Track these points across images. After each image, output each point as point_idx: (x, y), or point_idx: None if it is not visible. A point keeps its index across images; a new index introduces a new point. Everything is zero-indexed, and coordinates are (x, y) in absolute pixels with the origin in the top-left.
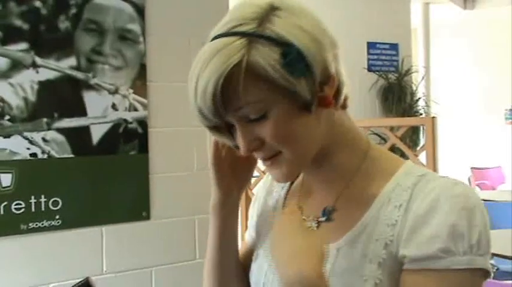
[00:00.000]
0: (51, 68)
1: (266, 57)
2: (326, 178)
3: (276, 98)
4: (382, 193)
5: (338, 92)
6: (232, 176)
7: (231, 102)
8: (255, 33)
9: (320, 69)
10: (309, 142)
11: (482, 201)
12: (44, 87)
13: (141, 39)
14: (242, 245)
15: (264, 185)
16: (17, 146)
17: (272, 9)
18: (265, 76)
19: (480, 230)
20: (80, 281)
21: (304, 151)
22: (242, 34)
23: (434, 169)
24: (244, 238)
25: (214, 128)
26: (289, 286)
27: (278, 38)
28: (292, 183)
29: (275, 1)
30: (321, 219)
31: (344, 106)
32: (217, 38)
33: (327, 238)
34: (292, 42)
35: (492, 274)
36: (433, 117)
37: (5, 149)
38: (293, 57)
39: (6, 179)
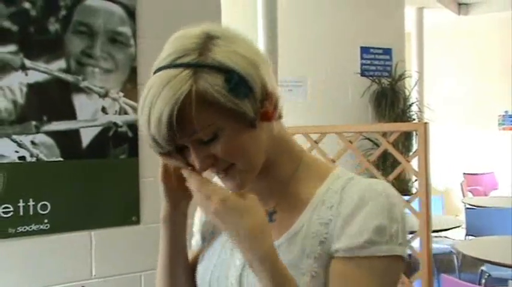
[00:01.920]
0: (40, 71)
1: (212, 85)
2: (267, 184)
3: (225, 120)
4: (315, 195)
5: (275, 105)
6: (180, 190)
7: (185, 129)
8: (199, 63)
9: (260, 88)
10: (257, 153)
11: (475, 207)
12: (33, 89)
13: (131, 42)
14: (190, 251)
15: None
16: (6, 149)
17: (209, 39)
18: (214, 102)
19: (398, 223)
20: None
21: (254, 162)
22: (186, 65)
23: (427, 175)
24: (191, 244)
25: (166, 154)
26: (234, 282)
27: (220, 66)
28: None
29: (210, 31)
30: None
31: (280, 116)
32: (161, 69)
33: None
34: (233, 68)
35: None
36: (426, 122)
37: None
38: (236, 82)
39: None
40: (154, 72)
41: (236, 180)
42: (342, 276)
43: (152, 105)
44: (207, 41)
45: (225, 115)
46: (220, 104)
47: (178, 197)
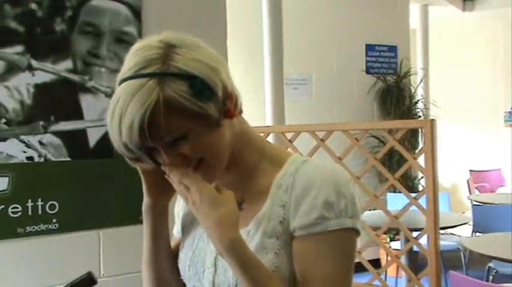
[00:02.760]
0: (47, 71)
1: (178, 91)
2: (235, 176)
3: (192, 122)
4: (274, 181)
5: (236, 103)
6: (160, 185)
7: (155, 135)
8: (163, 72)
9: (221, 90)
10: (222, 148)
11: (481, 204)
12: (40, 90)
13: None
14: (172, 240)
15: None
16: (14, 150)
17: (170, 48)
18: (180, 107)
19: (346, 199)
20: (83, 275)
21: (221, 156)
22: (152, 74)
23: (434, 172)
24: (173, 233)
25: (136, 159)
26: (210, 265)
27: (183, 73)
28: None
29: (170, 40)
30: None
31: (241, 112)
32: (126, 80)
33: (239, 224)
34: (196, 74)
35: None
36: (432, 119)
37: (2, 152)
38: (199, 87)
39: (3, 183)
40: (119, 84)
41: (206, 174)
42: (301, 253)
43: (122, 115)
44: (168, 50)
45: (192, 118)
46: (187, 108)
47: (158, 193)
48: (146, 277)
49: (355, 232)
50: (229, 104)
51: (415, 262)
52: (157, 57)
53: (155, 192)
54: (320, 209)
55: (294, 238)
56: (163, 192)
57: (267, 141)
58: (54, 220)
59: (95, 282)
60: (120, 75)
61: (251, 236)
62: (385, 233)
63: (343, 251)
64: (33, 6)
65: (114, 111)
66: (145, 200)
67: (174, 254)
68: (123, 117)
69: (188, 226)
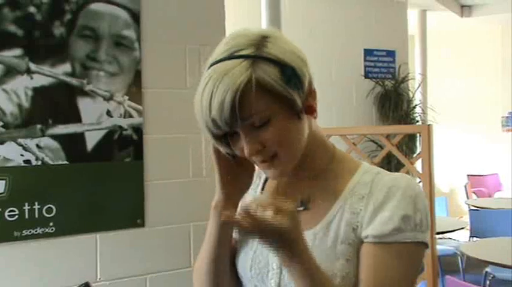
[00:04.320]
0: (45, 74)
1: (270, 75)
2: (304, 175)
3: (278, 107)
4: (347, 188)
5: (316, 101)
6: (235, 180)
7: (244, 112)
8: (257, 56)
9: (307, 83)
10: (299, 144)
11: (479, 209)
12: (39, 93)
13: (136, 45)
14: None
15: None
16: (11, 153)
17: (263, 38)
18: (270, 89)
19: (421, 213)
20: (80, 286)
21: (296, 152)
22: (246, 57)
23: (430, 176)
24: None
25: (218, 138)
26: (275, 267)
27: (276, 59)
28: (265, 181)
29: (264, 32)
30: (299, 209)
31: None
32: (219, 62)
33: (304, 225)
34: (287, 62)
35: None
36: (429, 125)
37: None
38: (290, 74)
39: (0, 186)
40: (211, 65)
41: (278, 169)
42: (372, 259)
43: (214, 91)
44: (261, 39)
45: (279, 102)
46: (276, 91)
47: (233, 188)
48: (205, 279)
49: (425, 245)
50: (311, 100)
51: None
52: (251, 43)
53: (229, 188)
54: (397, 222)
55: (364, 243)
56: (236, 189)
57: (336, 146)
58: (51, 224)
59: None
60: (212, 59)
61: (319, 238)
62: None
63: (411, 262)
64: (32, 9)
65: (205, 88)
66: (218, 197)
67: (232, 255)
68: (214, 93)
69: None
